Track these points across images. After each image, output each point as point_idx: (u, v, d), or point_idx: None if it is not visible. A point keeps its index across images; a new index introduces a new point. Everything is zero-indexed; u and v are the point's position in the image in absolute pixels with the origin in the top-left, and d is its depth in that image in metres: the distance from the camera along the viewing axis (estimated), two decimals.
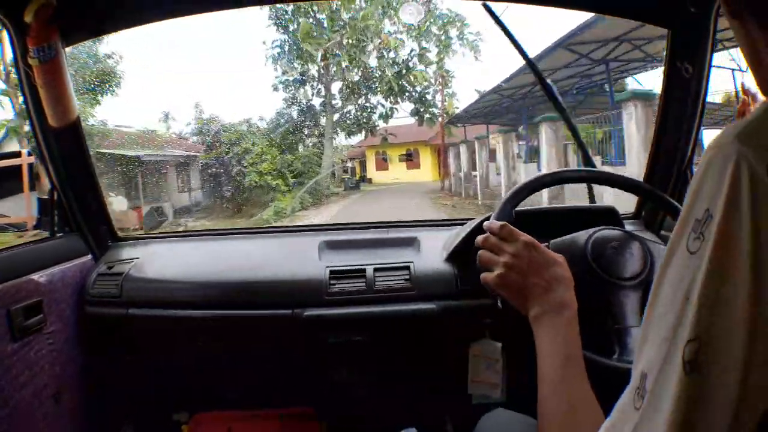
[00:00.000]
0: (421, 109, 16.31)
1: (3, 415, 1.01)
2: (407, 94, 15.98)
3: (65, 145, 1.25)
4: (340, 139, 16.79)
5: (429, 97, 16.32)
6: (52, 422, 1.15)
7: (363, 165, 22.41)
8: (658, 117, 1.30)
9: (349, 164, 20.57)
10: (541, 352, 0.62)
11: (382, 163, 21.92)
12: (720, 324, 0.34)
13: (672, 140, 1.26)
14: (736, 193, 0.34)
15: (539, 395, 0.59)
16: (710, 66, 1.15)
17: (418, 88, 16.00)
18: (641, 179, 1.23)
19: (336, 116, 16.31)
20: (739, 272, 0.33)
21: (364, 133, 16.91)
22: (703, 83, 1.17)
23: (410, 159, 21.77)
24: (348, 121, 16.35)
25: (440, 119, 16.76)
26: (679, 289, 0.37)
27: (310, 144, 16.22)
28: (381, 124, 16.57)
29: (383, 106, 16.17)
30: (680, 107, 1.21)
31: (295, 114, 16.23)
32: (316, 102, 16.35)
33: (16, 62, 1.15)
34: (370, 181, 21.27)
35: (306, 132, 16.34)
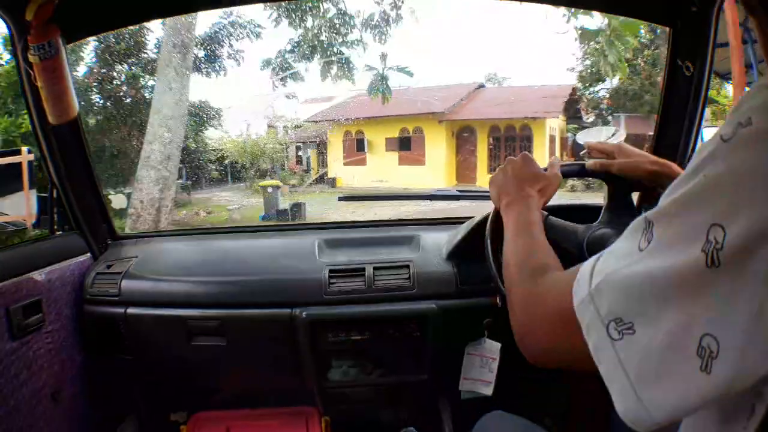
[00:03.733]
0: None
1: (2, 413, 1.00)
2: None
3: (65, 143, 1.24)
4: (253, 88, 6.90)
5: None
6: (51, 421, 1.15)
7: (322, 155, 12.15)
8: (658, 115, 1.30)
9: (302, 153, 11.93)
10: (507, 228, 0.73)
11: (355, 153, 11.61)
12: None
13: (673, 138, 1.26)
14: None
15: (504, 255, 0.68)
16: (711, 64, 1.15)
17: None
18: None
19: None
20: None
21: (323, 71, 6.75)
22: (704, 82, 1.17)
23: (406, 147, 11.41)
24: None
25: None
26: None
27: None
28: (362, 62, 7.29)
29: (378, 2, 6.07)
30: (681, 105, 1.21)
31: None
32: None
33: (16, 60, 1.15)
34: (333, 183, 11.36)
35: None
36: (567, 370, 0.65)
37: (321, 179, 11.66)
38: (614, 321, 0.41)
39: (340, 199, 1.45)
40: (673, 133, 1.25)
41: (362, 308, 1.19)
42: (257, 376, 1.37)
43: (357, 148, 11.77)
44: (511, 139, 10.99)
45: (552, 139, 9.91)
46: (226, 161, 9.63)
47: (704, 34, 1.12)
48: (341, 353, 1.25)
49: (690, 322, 0.37)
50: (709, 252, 0.36)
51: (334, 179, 11.52)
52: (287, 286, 1.22)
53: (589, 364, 0.44)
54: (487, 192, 0.87)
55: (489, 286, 0.91)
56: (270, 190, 8.26)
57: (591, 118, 11.37)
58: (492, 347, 1.19)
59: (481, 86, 11.54)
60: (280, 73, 6.65)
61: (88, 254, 1.33)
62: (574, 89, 11.02)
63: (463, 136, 11.47)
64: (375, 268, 1.22)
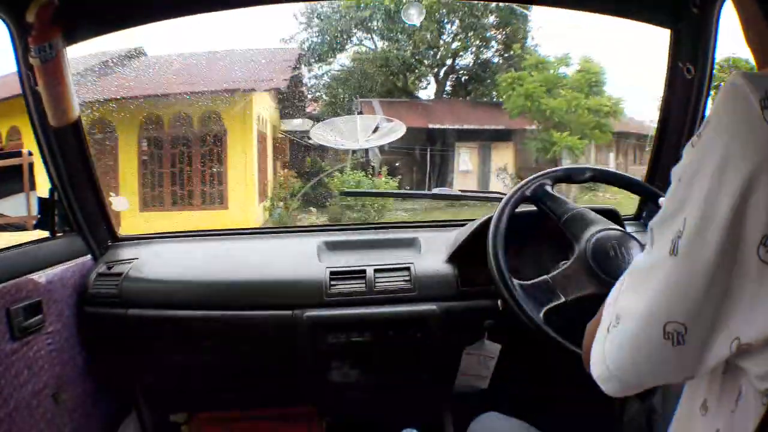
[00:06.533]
0: None
1: (2, 414, 1.00)
2: None
3: (66, 145, 1.24)
4: None
5: None
6: (51, 422, 1.15)
7: None
8: (659, 117, 1.30)
9: None
10: None
11: None
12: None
13: (673, 141, 1.25)
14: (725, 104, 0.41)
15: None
16: (713, 66, 1.14)
17: None
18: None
19: None
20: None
21: None
22: (706, 84, 1.16)
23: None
24: None
25: None
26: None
27: None
28: None
29: None
30: (682, 108, 1.21)
31: None
32: None
33: (17, 61, 1.15)
34: None
35: None
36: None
37: None
38: (615, 318, 0.47)
39: (342, 193, 1.46)
40: (674, 136, 1.25)
41: (363, 310, 1.19)
42: (257, 378, 1.37)
43: None
44: (183, 143, 5.65)
45: (262, 138, 5.68)
46: None
47: (705, 35, 1.12)
48: (341, 355, 1.25)
49: (654, 311, 0.42)
50: (674, 241, 0.41)
51: None
52: (288, 287, 1.22)
53: None
54: (490, 193, 0.88)
55: (490, 289, 0.91)
56: None
57: (317, 109, 7.64)
58: (492, 348, 1.19)
59: (139, 52, 5.82)
60: None
61: (89, 255, 1.33)
62: (301, 55, 6.81)
63: (94, 140, 5.39)
64: (375, 270, 1.22)
